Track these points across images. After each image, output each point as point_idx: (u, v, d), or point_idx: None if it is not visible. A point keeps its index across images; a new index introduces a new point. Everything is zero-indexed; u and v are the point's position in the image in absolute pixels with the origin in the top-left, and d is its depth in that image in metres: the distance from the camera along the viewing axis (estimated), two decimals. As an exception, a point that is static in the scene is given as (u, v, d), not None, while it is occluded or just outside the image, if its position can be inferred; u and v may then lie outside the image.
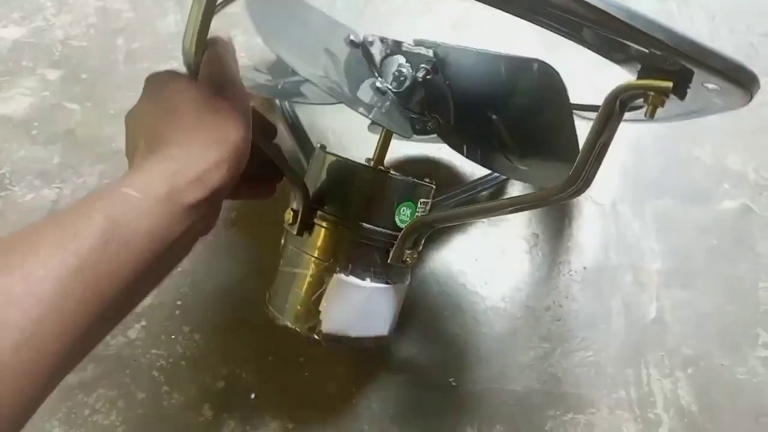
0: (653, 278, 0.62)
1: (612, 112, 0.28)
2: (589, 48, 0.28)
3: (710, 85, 0.27)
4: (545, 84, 0.37)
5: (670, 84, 0.26)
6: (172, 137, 0.32)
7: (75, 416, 0.51)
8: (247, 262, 0.58)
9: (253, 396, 0.53)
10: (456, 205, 0.58)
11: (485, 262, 0.60)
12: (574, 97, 0.37)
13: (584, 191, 0.32)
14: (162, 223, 0.29)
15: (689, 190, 0.66)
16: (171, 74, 0.35)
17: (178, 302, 0.55)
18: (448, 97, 0.47)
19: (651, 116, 0.26)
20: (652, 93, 0.26)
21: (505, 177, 0.61)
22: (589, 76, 0.50)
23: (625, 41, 0.25)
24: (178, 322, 0.55)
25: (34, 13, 0.65)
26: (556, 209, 0.63)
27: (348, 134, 0.63)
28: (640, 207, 0.64)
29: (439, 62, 0.46)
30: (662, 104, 0.26)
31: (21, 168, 0.58)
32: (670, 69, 0.26)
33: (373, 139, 0.49)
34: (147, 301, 0.55)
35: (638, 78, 0.28)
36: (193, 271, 0.56)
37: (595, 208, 0.64)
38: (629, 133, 0.67)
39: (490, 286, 0.60)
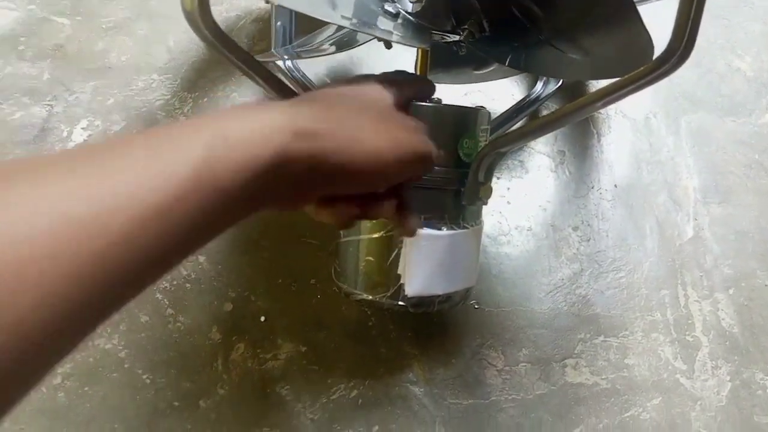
0: (689, 195, 0.57)
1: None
2: None
3: None
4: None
5: None
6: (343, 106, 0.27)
7: (74, 340, 0.48)
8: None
9: (263, 319, 0.50)
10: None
11: (507, 181, 0.56)
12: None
13: (687, 57, 0.28)
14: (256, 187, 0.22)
15: (727, 104, 0.61)
16: (380, 92, 0.31)
17: (181, 224, 0.52)
18: (473, 1, 0.42)
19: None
20: None
21: (556, 85, 0.55)
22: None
23: None
24: (180, 244, 0.51)
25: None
26: (582, 124, 0.59)
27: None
28: (674, 121, 0.59)
29: None
30: None
31: (8, 85, 0.54)
32: None
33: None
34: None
35: None
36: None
37: (626, 123, 0.59)
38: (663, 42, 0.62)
39: (513, 205, 0.56)
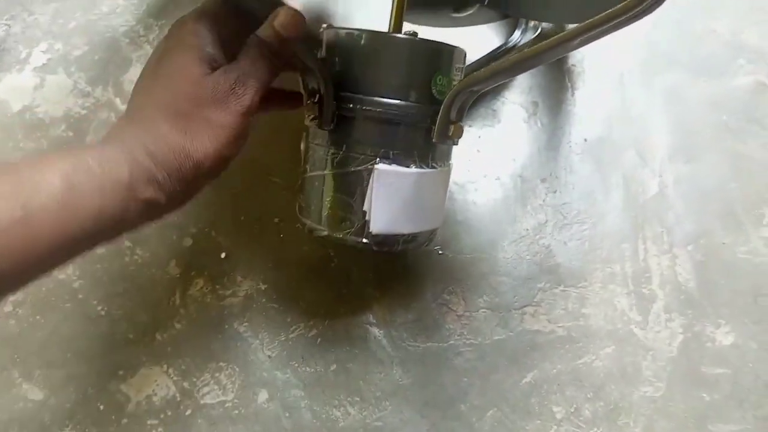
0: (657, 153, 0.57)
1: None
2: None
3: None
4: None
5: None
6: (157, 114, 0.30)
7: (27, 268, 0.47)
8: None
9: (223, 255, 0.49)
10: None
11: (478, 129, 0.56)
12: None
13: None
14: (114, 207, 0.28)
15: (702, 64, 0.60)
16: (192, 37, 0.32)
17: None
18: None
19: None
20: None
21: (535, 33, 0.54)
22: None
23: None
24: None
25: None
26: (557, 77, 0.58)
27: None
28: (648, 79, 0.59)
29: None
30: None
31: (-40, 2, 0.52)
32: None
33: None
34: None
35: None
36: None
37: (600, 78, 0.58)
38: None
39: (482, 154, 0.55)
